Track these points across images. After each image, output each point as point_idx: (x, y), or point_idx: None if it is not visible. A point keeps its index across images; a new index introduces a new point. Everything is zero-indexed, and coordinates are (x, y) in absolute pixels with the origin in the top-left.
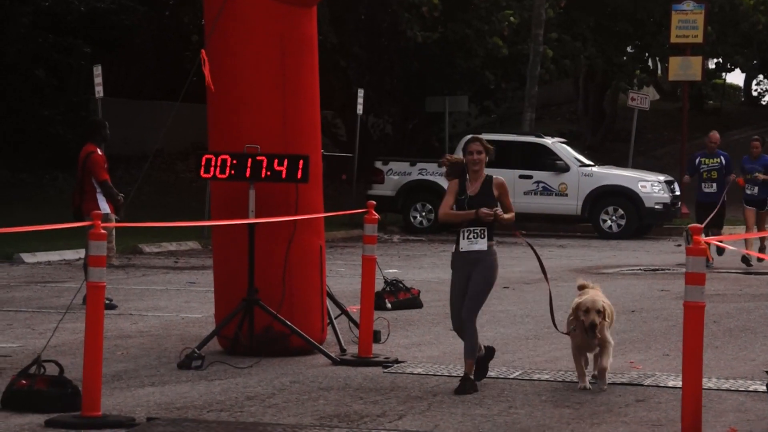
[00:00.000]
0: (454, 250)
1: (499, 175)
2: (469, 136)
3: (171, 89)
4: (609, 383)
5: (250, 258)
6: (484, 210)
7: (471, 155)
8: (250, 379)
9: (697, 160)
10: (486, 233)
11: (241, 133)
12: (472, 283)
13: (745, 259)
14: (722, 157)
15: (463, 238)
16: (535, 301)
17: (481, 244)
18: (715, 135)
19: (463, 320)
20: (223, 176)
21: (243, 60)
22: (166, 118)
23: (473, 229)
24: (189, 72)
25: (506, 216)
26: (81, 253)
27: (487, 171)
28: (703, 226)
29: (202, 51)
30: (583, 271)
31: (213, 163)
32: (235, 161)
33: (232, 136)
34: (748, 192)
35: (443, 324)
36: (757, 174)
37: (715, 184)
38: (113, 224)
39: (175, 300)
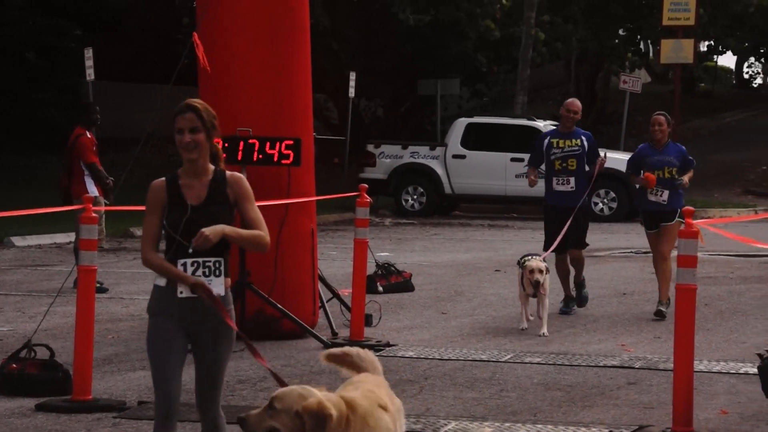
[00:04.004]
0: (160, 286)
1: (491, 158)
2: (183, 104)
3: (163, 72)
4: (601, 366)
5: None
6: (204, 235)
7: (181, 135)
8: (242, 363)
9: (546, 142)
10: (222, 267)
11: (233, 116)
12: (209, 359)
13: (660, 313)
14: (583, 138)
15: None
16: None
17: (217, 286)
18: (574, 103)
19: (206, 412)
20: None
21: (234, 43)
22: (157, 101)
23: (204, 261)
24: (181, 55)
25: (246, 235)
26: (72, 237)
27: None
28: (553, 246)
29: (194, 34)
30: None
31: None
32: (226, 144)
33: (224, 119)
34: (652, 198)
35: (435, 307)
36: (683, 180)
37: (572, 179)
38: (103, 207)
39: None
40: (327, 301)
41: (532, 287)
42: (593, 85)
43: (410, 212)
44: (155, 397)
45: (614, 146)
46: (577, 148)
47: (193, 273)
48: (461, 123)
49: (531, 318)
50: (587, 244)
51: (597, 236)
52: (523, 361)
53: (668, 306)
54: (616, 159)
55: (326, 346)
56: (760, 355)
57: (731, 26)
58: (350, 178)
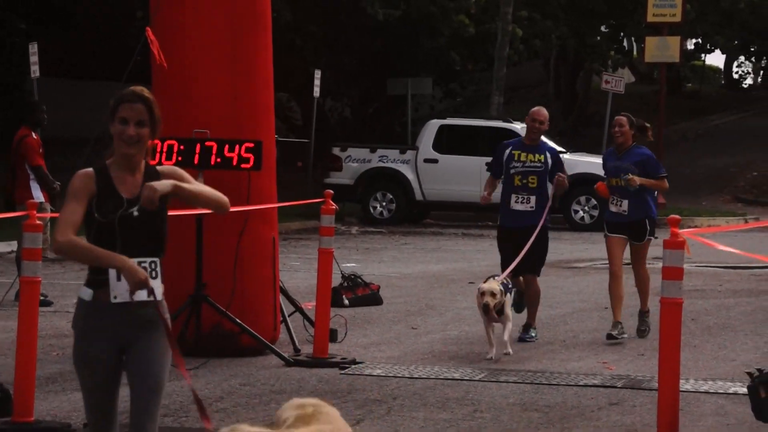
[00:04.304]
0: (86, 300)
1: (466, 162)
2: (131, 91)
3: (114, 69)
4: (581, 384)
5: (197, 251)
6: (151, 187)
7: (124, 126)
8: (197, 382)
9: (507, 152)
10: (159, 269)
11: (189, 116)
12: (146, 373)
13: (611, 336)
14: (548, 154)
15: (117, 279)
16: None
17: (155, 290)
18: (540, 112)
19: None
20: (170, 163)
21: (190, 38)
22: (108, 100)
23: (139, 262)
24: (134, 50)
25: (203, 189)
26: (13, 246)
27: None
28: (509, 269)
29: (148, 29)
30: (552, 265)
31: (158, 149)
32: (182, 147)
33: (180, 120)
34: (613, 209)
35: (404, 322)
36: (629, 176)
37: (532, 198)
38: (48, 214)
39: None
40: (289, 315)
41: (482, 312)
42: (574, 84)
43: (379, 220)
44: (89, 426)
45: (596, 150)
46: (539, 164)
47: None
48: (433, 125)
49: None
50: (539, 272)
51: (577, 246)
52: (498, 379)
53: (647, 321)
54: (597, 164)
55: (288, 363)
56: (750, 374)
57: (720, 23)
58: (315, 184)
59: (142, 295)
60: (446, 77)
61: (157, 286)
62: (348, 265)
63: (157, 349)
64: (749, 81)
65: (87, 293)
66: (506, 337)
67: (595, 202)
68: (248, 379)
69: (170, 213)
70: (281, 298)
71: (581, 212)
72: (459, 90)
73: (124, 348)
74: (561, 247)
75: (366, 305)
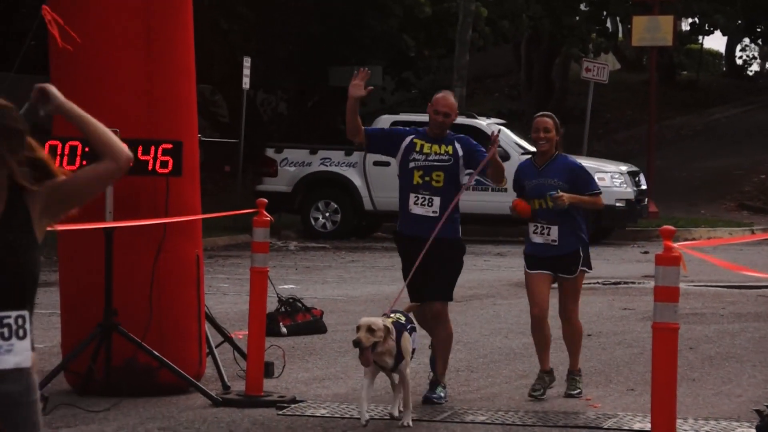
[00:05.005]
0: None
1: None
2: None
3: (2, 56)
4: (560, 425)
5: (107, 272)
6: (40, 87)
7: None
8: (107, 426)
9: (407, 141)
10: (27, 326)
11: (95, 112)
12: None
13: (534, 390)
14: (457, 145)
15: None
16: (467, 324)
17: (19, 354)
18: (446, 100)
19: None
20: (73, 167)
21: (94, 19)
22: None
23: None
24: (26, 34)
25: (97, 123)
26: None
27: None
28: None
29: (45, 7)
30: None
31: (59, 151)
32: (87, 149)
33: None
34: (538, 239)
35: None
36: (558, 194)
37: (436, 200)
38: None
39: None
40: (216, 347)
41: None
42: (549, 73)
43: (321, 233)
44: None
45: (575, 149)
46: (447, 157)
47: None
48: (384, 121)
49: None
50: (452, 298)
51: None
52: (463, 420)
53: (579, 382)
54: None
55: (216, 403)
56: (759, 412)
57: (721, 0)
58: (245, 191)
59: (2, 361)
60: (399, 65)
61: (24, 350)
62: (286, 287)
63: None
64: (755, 67)
65: None
66: (397, 404)
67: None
68: (169, 422)
69: (73, 227)
70: (207, 327)
71: None
72: (414, 80)
73: None
74: None
75: (307, 334)
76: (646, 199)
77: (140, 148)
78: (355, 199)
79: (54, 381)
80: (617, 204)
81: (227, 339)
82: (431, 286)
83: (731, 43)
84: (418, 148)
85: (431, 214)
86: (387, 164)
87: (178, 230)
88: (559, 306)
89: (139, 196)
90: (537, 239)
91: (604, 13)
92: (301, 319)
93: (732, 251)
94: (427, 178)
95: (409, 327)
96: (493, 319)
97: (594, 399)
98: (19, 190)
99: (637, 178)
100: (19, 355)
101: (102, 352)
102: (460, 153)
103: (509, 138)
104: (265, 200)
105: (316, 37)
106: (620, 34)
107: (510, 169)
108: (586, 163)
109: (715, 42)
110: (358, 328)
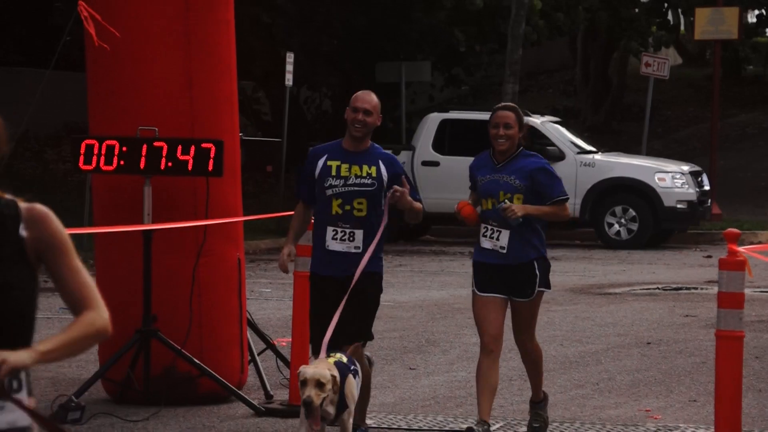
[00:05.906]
0: None
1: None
2: None
3: (38, 52)
4: None
5: (145, 276)
6: None
7: None
8: None
9: (320, 164)
10: (24, 379)
11: (133, 110)
12: None
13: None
14: (381, 165)
15: None
16: None
17: (13, 412)
18: (366, 97)
19: None
20: (110, 168)
21: (133, 15)
22: (32, 92)
23: None
24: (62, 30)
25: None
26: None
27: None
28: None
29: (81, 3)
30: (582, 290)
31: (96, 151)
32: (125, 148)
33: (121, 115)
34: (487, 244)
35: (400, 361)
36: (506, 205)
37: (358, 234)
38: None
39: (44, 331)
40: (258, 354)
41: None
42: (606, 68)
43: None
44: None
45: (635, 149)
46: (369, 181)
47: None
48: (433, 119)
49: None
50: (372, 336)
51: (613, 268)
52: (516, 431)
53: (544, 413)
54: (636, 166)
55: (258, 412)
56: None
57: None
58: (288, 192)
59: None
60: (448, 61)
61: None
62: None
63: None
64: None
65: None
66: None
67: (634, 214)
68: None
69: (110, 229)
70: (249, 333)
71: (616, 226)
72: (464, 76)
73: None
74: (592, 268)
75: None
76: (709, 201)
77: (180, 148)
78: None
79: (91, 389)
80: (678, 205)
81: (270, 346)
82: (350, 327)
83: None
84: (334, 171)
85: (353, 251)
86: (437, 164)
87: (218, 233)
88: (513, 331)
89: (179, 197)
90: (485, 243)
91: (665, 5)
92: None
93: None
94: (347, 207)
95: (352, 369)
96: (547, 326)
97: (654, 410)
98: (6, 210)
99: (699, 179)
100: (13, 412)
101: (141, 359)
102: (385, 176)
103: (564, 137)
104: None
105: (361, 32)
106: (682, 27)
107: (558, 170)
108: (646, 162)
109: None
110: (304, 383)
